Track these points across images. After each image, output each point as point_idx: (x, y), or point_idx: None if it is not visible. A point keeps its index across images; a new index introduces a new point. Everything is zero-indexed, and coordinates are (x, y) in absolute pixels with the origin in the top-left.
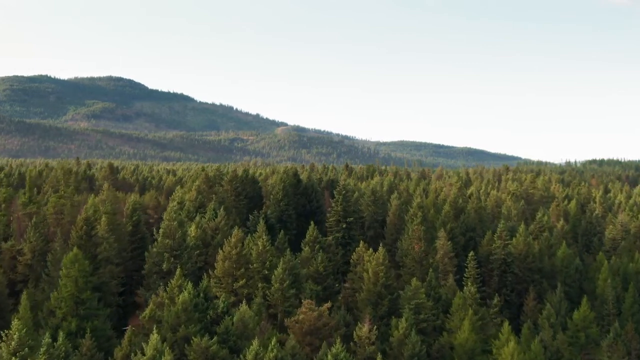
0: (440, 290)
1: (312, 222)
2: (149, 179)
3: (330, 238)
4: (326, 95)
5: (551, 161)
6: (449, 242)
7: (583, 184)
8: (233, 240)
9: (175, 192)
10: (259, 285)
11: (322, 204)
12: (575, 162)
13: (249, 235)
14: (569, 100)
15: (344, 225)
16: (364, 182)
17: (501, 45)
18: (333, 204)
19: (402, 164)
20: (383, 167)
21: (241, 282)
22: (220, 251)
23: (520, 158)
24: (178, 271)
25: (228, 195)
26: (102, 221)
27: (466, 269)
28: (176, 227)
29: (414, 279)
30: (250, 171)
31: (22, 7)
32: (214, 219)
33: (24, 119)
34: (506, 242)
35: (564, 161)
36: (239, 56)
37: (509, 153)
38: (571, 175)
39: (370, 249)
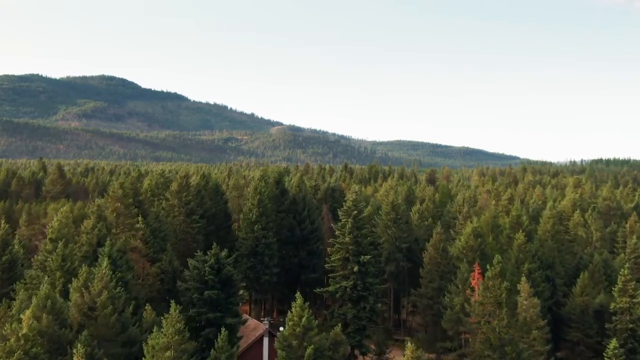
0: None
1: (297, 291)
2: (112, 182)
3: (337, 326)
4: (322, 94)
5: (551, 160)
6: (535, 299)
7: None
8: None
9: (56, 218)
10: None
11: (318, 226)
12: (582, 161)
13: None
14: (566, 99)
15: (356, 268)
16: (368, 186)
17: (498, 45)
18: (337, 231)
19: (401, 163)
20: (387, 168)
21: None
22: None
23: (518, 157)
24: None
25: (174, 216)
26: None
27: None
28: None
29: None
30: (244, 172)
31: (14, 6)
32: (85, 288)
33: (12, 118)
34: (634, 299)
35: (567, 160)
36: (233, 55)
37: (507, 153)
38: (592, 176)
39: None
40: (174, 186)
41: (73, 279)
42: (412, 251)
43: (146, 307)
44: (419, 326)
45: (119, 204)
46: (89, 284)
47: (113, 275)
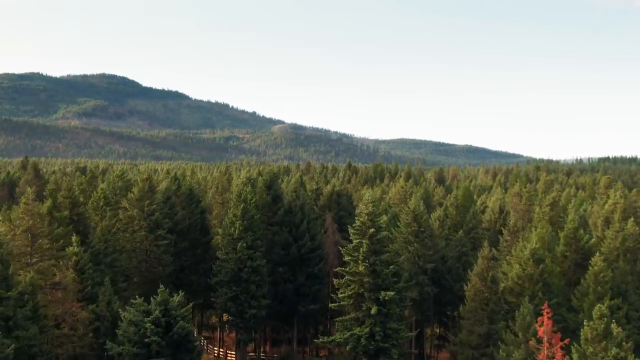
0: None
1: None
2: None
3: None
4: (323, 93)
5: (554, 159)
6: (632, 356)
7: None
8: None
9: None
10: None
11: (320, 242)
12: (589, 159)
13: None
14: (566, 98)
15: (374, 310)
16: (375, 187)
17: (498, 45)
18: (347, 257)
19: (404, 162)
20: (392, 167)
21: None
22: None
23: (522, 156)
24: None
25: (134, 230)
26: None
27: None
28: None
29: None
30: (242, 171)
31: (14, 4)
32: None
33: (12, 117)
34: None
35: (571, 158)
36: (234, 55)
37: (510, 151)
38: (610, 175)
39: None
40: (134, 192)
41: None
42: (438, 272)
43: None
44: None
45: (36, 221)
46: None
47: None
